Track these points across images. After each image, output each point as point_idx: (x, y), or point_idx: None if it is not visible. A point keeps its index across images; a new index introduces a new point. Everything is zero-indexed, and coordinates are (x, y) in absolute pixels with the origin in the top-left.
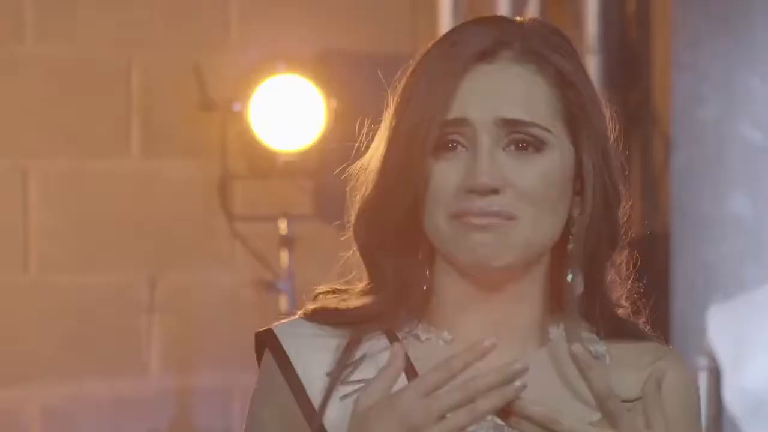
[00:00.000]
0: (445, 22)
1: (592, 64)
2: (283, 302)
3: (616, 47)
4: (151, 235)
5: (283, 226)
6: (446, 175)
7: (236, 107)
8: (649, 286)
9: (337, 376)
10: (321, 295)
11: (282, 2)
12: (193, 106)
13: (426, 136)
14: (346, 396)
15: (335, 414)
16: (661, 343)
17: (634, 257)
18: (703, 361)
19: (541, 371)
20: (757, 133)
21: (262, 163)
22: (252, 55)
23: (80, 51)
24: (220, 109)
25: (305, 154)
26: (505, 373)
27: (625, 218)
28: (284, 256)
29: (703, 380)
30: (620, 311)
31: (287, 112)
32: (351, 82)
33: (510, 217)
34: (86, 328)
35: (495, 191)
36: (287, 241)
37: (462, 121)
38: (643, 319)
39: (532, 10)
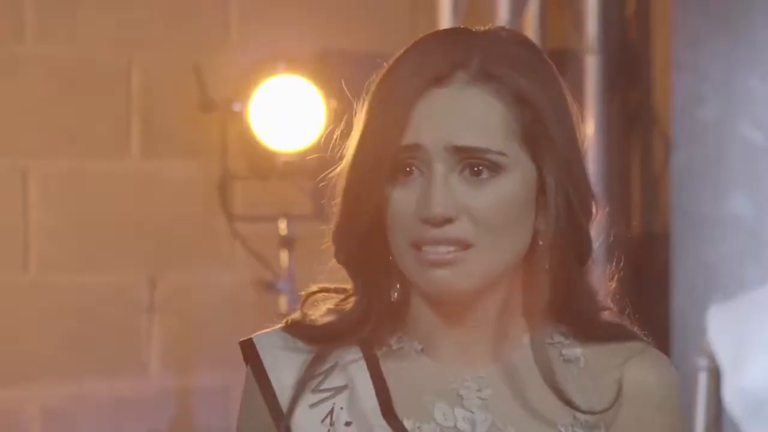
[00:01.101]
0: (445, 22)
1: (592, 64)
2: (283, 302)
3: (616, 47)
4: (151, 235)
5: (283, 226)
6: (403, 201)
7: (236, 107)
8: (649, 286)
9: (304, 383)
10: (310, 297)
11: (282, 2)
12: (193, 106)
13: (381, 163)
14: (314, 404)
15: (303, 421)
16: (645, 342)
17: (631, 254)
18: (703, 361)
19: (507, 381)
20: (757, 133)
21: (262, 164)
22: (252, 55)
23: (80, 51)
24: (220, 109)
25: (305, 154)
26: None
27: (609, 221)
28: (284, 256)
29: (703, 380)
30: (604, 314)
31: (287, 112)
32: (351, 82)
33: (466, 246)
34: (86, 328)
35: (449, 220)
36: (287, 242)
37: (416, 147)
38: (627, 321)
39: (532, 10)
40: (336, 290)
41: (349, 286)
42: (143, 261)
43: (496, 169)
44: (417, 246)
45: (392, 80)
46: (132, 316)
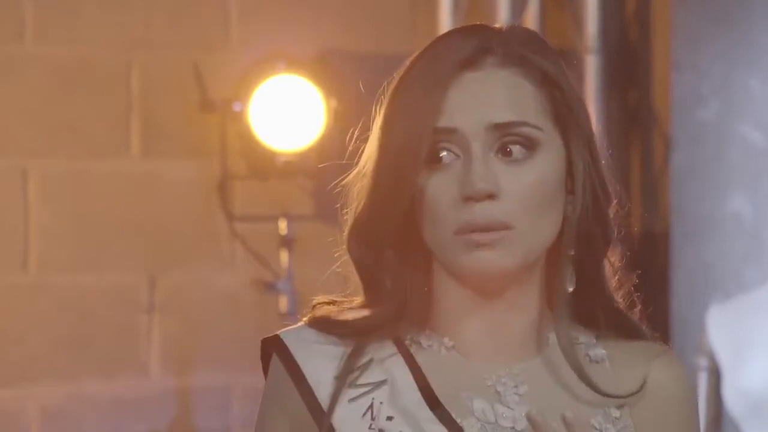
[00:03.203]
0: (445, 22)
1: (592, 64)
2: (283, 302)
3: (616, 47)
4: (151, 235)
5: (282, 226)
6: (442, 187)
7: (236, 107)
8: (649, 285)
9: (344, 378)
10: (318, 306)
11: (282, 2)
12: (193, 106)
13: (417, 148)
14: (354, 399)
15: (344, 416)
16: (658, 343)
17: (631, 254)
18: (703, 361)
19: (540, 378)
20: (757, 133)
21: (262, 163)
22: (252, 55)
23: (80, 51)
24: (220, 109)
25: (305, 154)
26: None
27: (615, 215)
28: (284, 256)
29: (703, 380)
30: (618, 308)
31: (287, 112)
32: (351, 82)
33: (507, 227)
34: (86, 328)
35: (491, 196)
36: (287, 241)
37: (452, 131)
38: (640, 317)
39: (532, 10)
40: (343, 303)
41: (356, 298)
42: (143, 261)
43: (532, 145)
44: (461, 232)
45: (418, 72)
46: (132, 316)
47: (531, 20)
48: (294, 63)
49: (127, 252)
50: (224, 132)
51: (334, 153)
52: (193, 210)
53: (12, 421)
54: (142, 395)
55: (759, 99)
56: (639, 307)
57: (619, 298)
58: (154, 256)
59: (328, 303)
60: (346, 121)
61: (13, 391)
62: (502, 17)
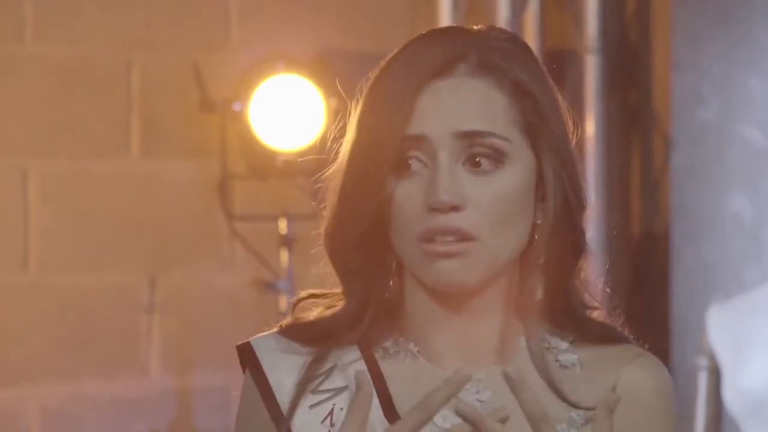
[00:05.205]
0: (445, 22)
1: (592, 64)
2: (283, 302)
3: (616, 47)
4: (151, 235)
5: (282, 226)
6: (408, 195)
7: (236, 107)
8: (649, 285)
9: (304, 384)
10: (301, 302)
11: (282, 2)
12: (193, 106)
13: (385, 155)
14: (314, 405)
15: (304, 422)
16: (636, 345)
17: (631, 254)
18: (703, 361)
19: (501, 388)
20: (757, 133)
21: (262, 163)
22: (252, 55)
23: (80, 51)
24: (220, 109)
25: (305, 154)
26: (454, 381)
27: (606, 218)
28: (284, 256)
29: (703, 380)
30: (595, 314)
31: (287, 112)
32: (351, 82)
33: (470, 238)
34: (86, 328)
35: (456, 208)
36: (287, 241)
37: (420, 138)
38: (620, 321)
39: (532, 10)
40: (325, 295)
41: (338, 290)
42: (143, 261)
43: (499, 156)
44: (424, 239)
45: (391, 76)
46: (132, 316)
47: (531, 20)
48: (294, 63)
49: (127, 252)
50: (224, 132)
51: (331, 153)
52: (193, 210)
53: (12, 421)
54: (142, 395)
55: (759, 99)
56: (620, 313)
57: (591, 305)
58: (154, 256)
59: (308, 297)
60: (341, 122)
61: (13, 391)
62: (502, 17)
